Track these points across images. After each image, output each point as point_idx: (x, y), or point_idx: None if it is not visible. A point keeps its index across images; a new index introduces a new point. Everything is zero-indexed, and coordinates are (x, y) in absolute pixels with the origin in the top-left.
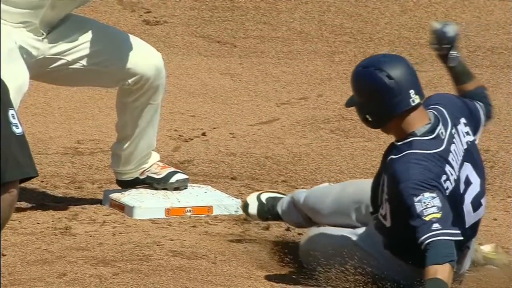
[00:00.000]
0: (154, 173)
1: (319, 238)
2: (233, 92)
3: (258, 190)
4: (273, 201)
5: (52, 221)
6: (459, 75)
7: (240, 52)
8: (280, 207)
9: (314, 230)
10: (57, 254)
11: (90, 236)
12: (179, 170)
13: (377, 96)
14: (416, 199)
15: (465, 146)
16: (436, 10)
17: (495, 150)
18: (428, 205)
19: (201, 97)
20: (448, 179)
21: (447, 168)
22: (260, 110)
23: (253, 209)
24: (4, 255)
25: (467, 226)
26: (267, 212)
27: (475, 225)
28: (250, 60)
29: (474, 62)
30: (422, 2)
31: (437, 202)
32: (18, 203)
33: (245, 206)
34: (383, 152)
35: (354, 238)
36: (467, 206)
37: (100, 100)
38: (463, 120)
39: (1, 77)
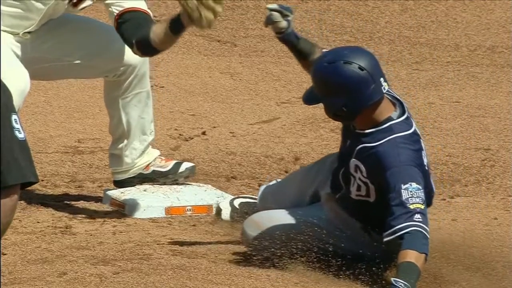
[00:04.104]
0: (160, 167)
1: (268, 224)
2: (233, 91)
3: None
4: (246, 207)
5: (52, 220)
6: (307, 48)
7: (240, 51)
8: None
9: (260, 216)
10: (57, 253)
11: (91, 235)
12: (182, 161)
13: (352, 89)
14: (404, 186)
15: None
16: (436, 9)
17: (496, 149)
18: (414, 194)
19: (201, 96)
20: (425, 153)
21: (422, 143)
22: (260, 109)
23: (226, 214)
24: (5, 254)
25: (433, 195)
26: (241, 217)
27: None
28: (250, 59)
29: (474, 61)
30: (422, 1)
31: (422, 194)
32: (18, 202)
33: (217, 212)
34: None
35: (302, 218)
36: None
37: (100, 99)
38: None
39: (3, 82)
